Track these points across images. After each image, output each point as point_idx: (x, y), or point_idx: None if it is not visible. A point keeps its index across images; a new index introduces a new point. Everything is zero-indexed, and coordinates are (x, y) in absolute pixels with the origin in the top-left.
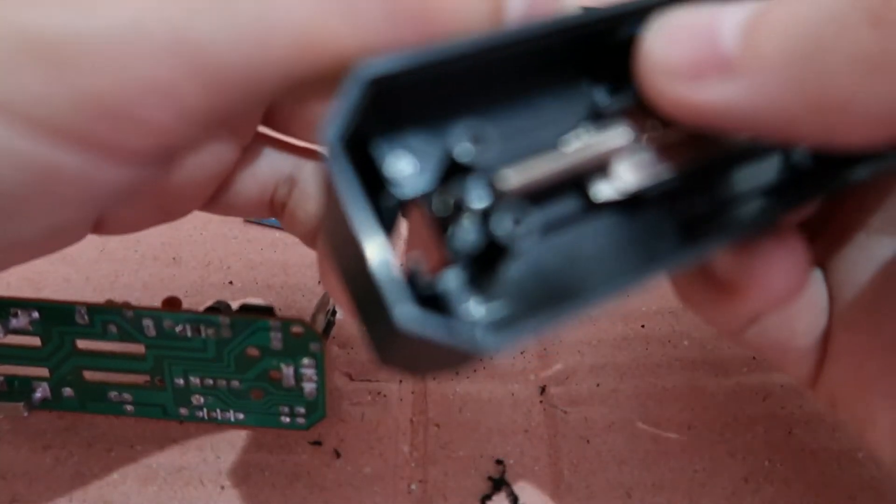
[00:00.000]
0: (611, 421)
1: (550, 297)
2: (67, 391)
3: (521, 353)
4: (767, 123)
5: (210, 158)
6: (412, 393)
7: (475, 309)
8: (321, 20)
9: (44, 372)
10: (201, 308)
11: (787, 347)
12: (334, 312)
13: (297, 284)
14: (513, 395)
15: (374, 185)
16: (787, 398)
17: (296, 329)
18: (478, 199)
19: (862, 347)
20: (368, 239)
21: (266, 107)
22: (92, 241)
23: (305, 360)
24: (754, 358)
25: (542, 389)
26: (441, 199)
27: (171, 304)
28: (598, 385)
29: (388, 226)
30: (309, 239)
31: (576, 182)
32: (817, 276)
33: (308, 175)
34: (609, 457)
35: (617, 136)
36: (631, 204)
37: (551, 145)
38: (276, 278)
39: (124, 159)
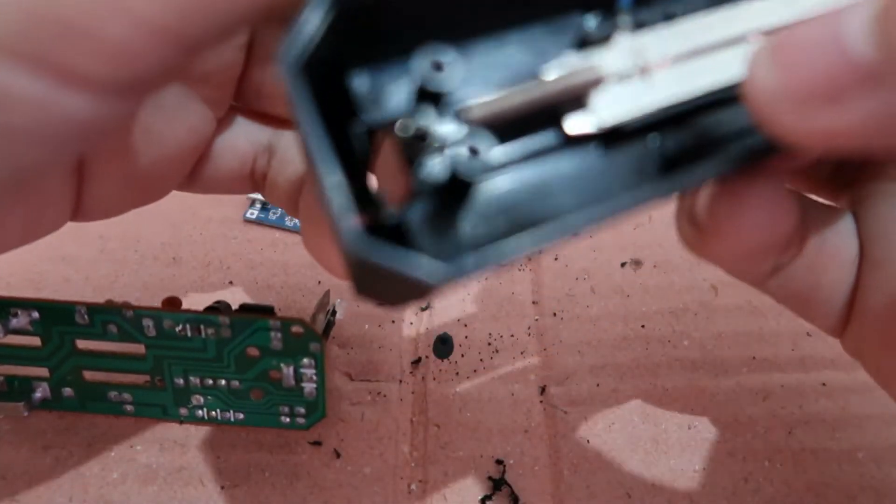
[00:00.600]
0: (611, 421)
1: (516, 231)
2: (67, 391)
3: (521, 353)
4: None
5: (185, 129)
6: (412, 393)
7: (434, 241)
8: None
9: (44, 372)
10: (201, 308)
11: (810, 299)
12: (334, 312)
13: (297, 284)
14: (513, 395)
15: (348, 111)
16: (787, 398)
17: (296, 329)
18: (440, 128)
19: (892, 304)
20: (322, 161)
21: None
22: (92, 241)
23: (305, 360)
24: (754, 358)
25: (542, 389)
26: (403, 126)
27: (171, 304)
28: (598, 385)
29: (358, 151)
30: (291, 206)
31: (552, 114)
32: (847, 228)
33: (286, 142)
34: (609, 457)
35: (599, 65)
36: (609, 137)
37: (534, 74)
38: (276, 278)
39: (85, 87)
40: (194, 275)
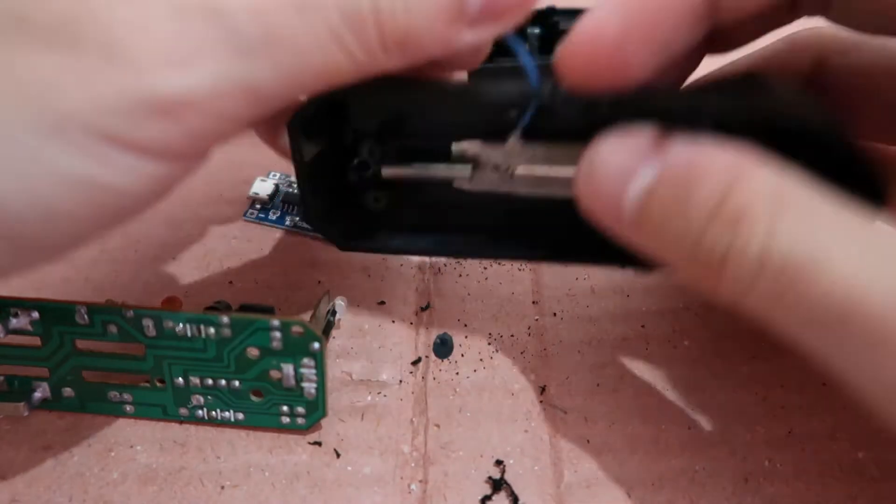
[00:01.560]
0: (611, 421)
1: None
2: (67, 391)
3: (521, 353)
4: None
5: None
6: (412, 393)
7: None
8: (334, 61)
9: (44, 372)
10: (201, 308)
11: None
12: (334, 312)
13: (297, 284)
14: (513, 395)
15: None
16: (788, 398)
17: (296, 329)
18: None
19: None
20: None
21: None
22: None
23: (305, 360)
24: (754, 358)
25: (542, 389)
26: (351, 168)
27: (171, 304)
28: (598, 385)
29: (354, 174)
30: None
31: (444, 176)
32: None
33: None
34: (609, 457)
35: (482, 156)
36: (484, 194)
37: (446, 149)
38: (276, 278)
39: (163, 157)
40: (194, 275)
